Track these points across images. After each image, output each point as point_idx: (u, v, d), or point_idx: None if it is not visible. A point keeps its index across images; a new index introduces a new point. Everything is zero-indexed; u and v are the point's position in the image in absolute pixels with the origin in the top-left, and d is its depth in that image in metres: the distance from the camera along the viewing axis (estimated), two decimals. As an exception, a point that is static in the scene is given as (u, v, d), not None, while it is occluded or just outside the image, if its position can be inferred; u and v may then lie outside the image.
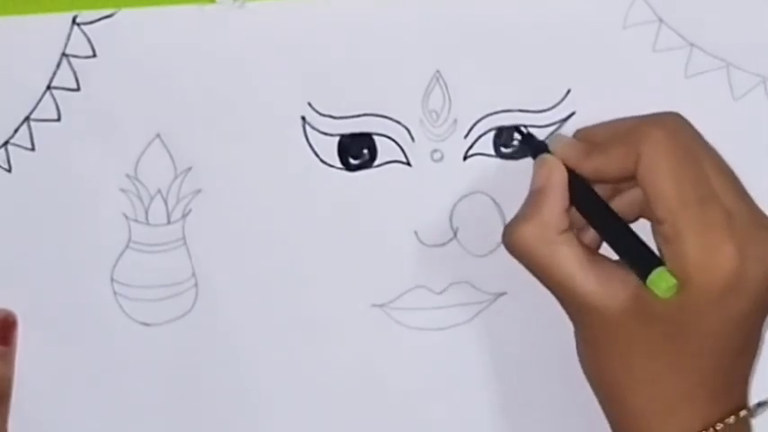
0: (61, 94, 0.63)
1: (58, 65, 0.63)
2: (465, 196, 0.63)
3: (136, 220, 0.64)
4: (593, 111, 0.62)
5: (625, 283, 0.56)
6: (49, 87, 0.63)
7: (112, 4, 0.62)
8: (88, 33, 0.62)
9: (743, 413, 0.56)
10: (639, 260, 0.56)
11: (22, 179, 0.63)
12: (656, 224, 0.56)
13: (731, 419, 0.56)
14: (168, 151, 0.63)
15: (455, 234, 0.64)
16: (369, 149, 0.63)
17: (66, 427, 0.65)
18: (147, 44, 0.62)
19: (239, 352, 0.64)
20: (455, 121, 0.63)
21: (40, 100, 0.63)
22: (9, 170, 0.63)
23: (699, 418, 0.56)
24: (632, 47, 0.63)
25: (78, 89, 0.63)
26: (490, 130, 0.63)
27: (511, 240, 0.58)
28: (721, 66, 0.63)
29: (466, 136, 0.63)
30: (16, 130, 0.63)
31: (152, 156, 0.63)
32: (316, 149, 0.63)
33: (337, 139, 0.63)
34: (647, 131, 0.56)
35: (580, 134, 0.61)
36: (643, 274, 0.55)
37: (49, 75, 0.63)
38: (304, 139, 0.63)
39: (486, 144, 0.63)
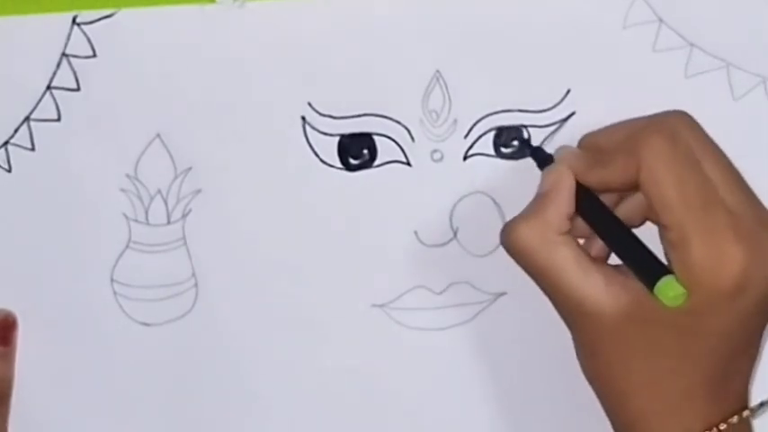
0: (61, 94, 0.63)
1: (58, 65, 0.63)
2: (465, 196, 0.63)
3: (136, 220, 0.64)
4: (593, 111, 0.62)
5: (625, 288, 0.56)
6: (49, 87, 0.63)
7: (112, 4, 0.62)
8: (88, 33, 0.62)
9: (745, 413, 0.56)
10: (646, 269, 0.56)
11: (22, 179, 0.63)
12: (663, 230, 0.56)
13: (734, 419, 0.56)
14: (168, 151, 0.63)
15: (455, 234, 0.64)
16: (369, 149, 0.63)
17: (66, 427, 0.65)
18: (147, 44, 0.63)
19: (239, 352, 0.64)
20: (455, 121, 0.63)
21: (40, 100, 0.63)
22: (9, 170, 0.63)
23: (700, 418, 0.56)
24: (632, 47, 0.63)
25: (78, 89, 0.63)
26: (490, 130, 0.63)
27: (509, 239, 0.58)
28: (721, 66, 0.63)
29: (466, 136, 0.63)
30: (16, 130, 0.63)
31: (152, 156, 0.63)
32: (316, 149, 0.63)
33: (337, 139, 0.63)
34: (646, 139, 0.56)
35: (584, 141, 0.61)
36: (650, 282, 0.55)
37: (49, 75, 0.63)
38: (304, 139, 0.63)
39: (486, 144, 0.63)
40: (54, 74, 0.63)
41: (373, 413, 0.65)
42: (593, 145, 0.60)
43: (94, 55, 0.63)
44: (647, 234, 0.58)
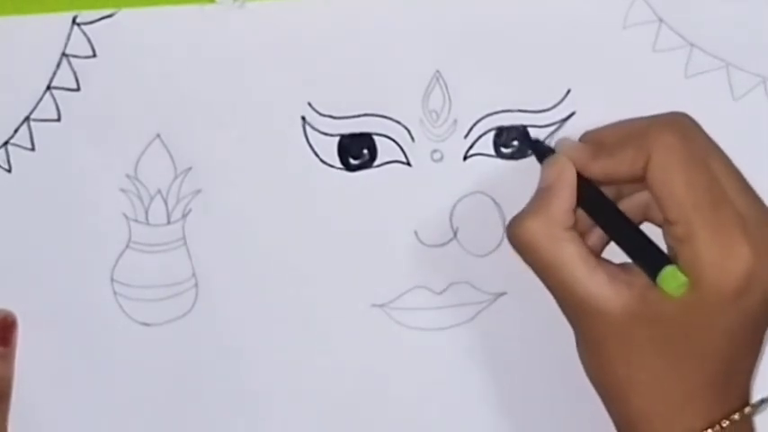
0: (61, 94, 0.63)
1: (58, 65, 0.63)
2: (465, 196, 0.63)
3: (136, 220, 0.64)
4: (593, 111, 0.62)
5: (630, 285, 0.56)
6: (49, 87, 0.63)
7: (112, 4, 0.62)
8: (88, 33, 0.62)
9: (747, 410, 0.56)
10: (649, 259, 0.56)
11: (22, 179, 0.63)
12: (668, 225, 0.56)
13: (736, 416, 0.56)
14: (168, 151, 0.63)
15: (455, 234, 0.64)
16: (369, 149, 0.63)
17: (66, 427, 0.64)
18: (147, 44, 0.63)
19: (239, 352, 0.64)
20: (455, 121, 0.63)
21: (40, 100, 0.63)
22: (9, 170, 0.63)
23: (703, 417, 0.56)
24: (632, 47, 0.63)
25: (78, 89, 0.63)
26: (490, 131, 0.63)
27: (516, 234, 0.58)
28: (721, 66, 0.63)
29: (466, 136, 0.63)
30: (16, 130, 0.63)
31: (152, 156, 0.63)
32: (316, 149, 0.63)
33: (337, 139, 0.63)
34: (657, 135, 0.56)
35: (587, 137, 0.61)
36: (653, 272, 0.55)
37: (49, 75, 0.63)
38: (304, 139, 0.63)
39: (487, 144, 0.63)
40: (54, 74, 0.63)
41: (373, 413, 0.65)
42: (595, 139, 0.60)
43: (94, 55, 0.63)
44: (648, 232, 0.58)
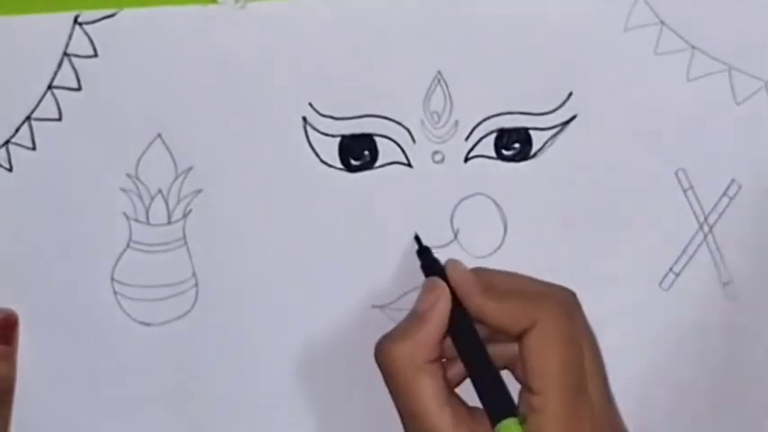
0: (62, 93, 0.63)
1: (60, 64, 0.63)
2: (466, 198, 0.63)
3: (136, 220, 0.64)
4: (594, 114, 0.62)
5: (474, 431, 0.57)
6: (50, 87, 0.63)
7: (114, 4, 0.62)
8: (90, 33, 0.62)
9: None
10: (496, 405, 0.57)
11: (23, 178, 0.63)
12: (527, 391, 0.57)
13: None
14: (169, 151, 0.63)
15: (456, 235, 0.64)
16: (370, 150, 0.63)
17: (66, 427, 0.65)
18: (148, 44, 0.62)
19: (239, 352, 0.64)
20: (456, 122, 0.63)
21: (41, 99, 0.63)
22: (10, 169, 0.63)
23: None
24: (634, 49, 0.63)
25: (80, 89, 0.63)
26: (491, 132, 0.63)
27: (381, 355, 0.58)
28: (723, 69, 0.63)
29: (467, 138, 0.63)
30: (17, 130, 0.63)
31: (153, 155, 0.63)
32: (316, 150, 0.63)
33: (338, 139, 0.63)
34: (548, 306, 0.57)
35: (479, 272, 0.61)
36: (496, 418, 0.56)
37: (51, 74, 0.63)
38: (305, 140, 0.63)
39: (488, 146, 0.63)
40: (55, 73, 0.63)
41: (373, 413, 0.65)
42: (486, 278, 0.60)
43: (96, 55, 0.63)
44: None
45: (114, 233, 0.64)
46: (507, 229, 0.64)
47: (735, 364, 0.64)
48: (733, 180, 0.63)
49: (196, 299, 0.64)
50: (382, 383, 0.63)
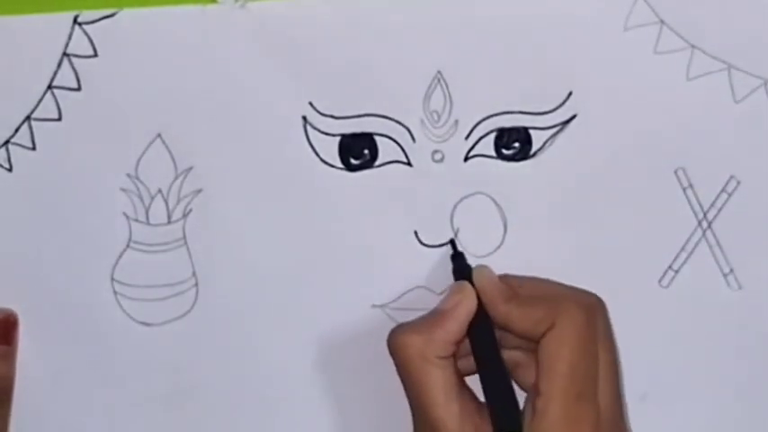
0: (62, 93, 0.63)
1: (60, 64, 0.63)
2: (466, 197, 0.63)
3: (136, 220, 0.64)
4: (594, 113, 0.62)
5: (476, 428, 0.57)
6: (50, 87, 0.63)
7: (114, 4, 0.62)
8: (89, 33, 0.62)
9: None
10: (501, 414, 0.58)
11: (23, 178, 0.63)
12: (534, 393, 0.57)
13: None
14: (169, 151, 0.63)
15: (456, 235, 0.64)
16: (370, 150, 0.63)
17: (65, 427, 0.65)
18: (148, 44, 0.62)
19: (239, 351, 0.64)
20: (456, 121, 0.63)
21: (41, 99, 0.63)
22: (10, 169, 0.63)
23: None
24: (634, 49, 0.63)
25: (79, 89, 0.63)
26: (491, 132, 0.63)
27: (393, 342, 0.59)
28: (723, 68, 0.63)
29: (467, 137, 0.63)
30: (17, 130, 0.63)
31: (153, 155, 0.63)
32: (316, 149, 0.63)
33: (338, 138, 0.63)
34: (567, 308, 0.57)
35: (506, 278, 0.61)
36: (498, 427, 0.57)
37: (51, 74, 0.63)
38: (305, 139, 0.63)
39: (488, 145, 0.63)
40: (55, 73, 0.63)
41: (373, 413, 0.65)
42: (513, 284, 0.60)
43: (95, 55, 0.63)
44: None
45: (114, 233, 0.64)
46: (507, 228, 0.64)
47: (741, 356, 0.64)
48: (732, 176, 0.64)
49: (196, 299, 0.64)
50: (382, 382, 0.63)
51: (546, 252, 0.64)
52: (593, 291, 0.60)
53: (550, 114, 0.63)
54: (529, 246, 0.64)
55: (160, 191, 0.63)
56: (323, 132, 0.63)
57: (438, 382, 0.58)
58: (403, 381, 0.59)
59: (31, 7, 0.62)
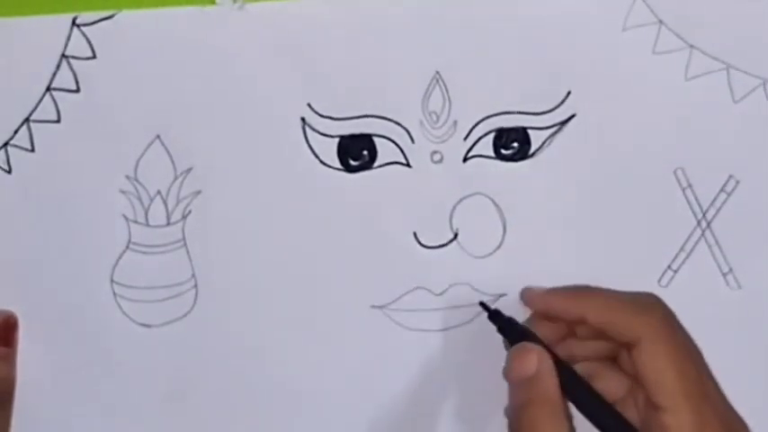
0: (61, 95, 0.63)
1: (58, 66, 0.63)
2: (465, 198, 0.63)
3: (136, 222, 0.64)
4: (593, 113, 0.63)
5: None
6: (48, 88, 0.63)
7: (112, 6, 0.62)
8: (88, 35, 0.62)
9: None
10: None
11: (22, 180, 0.63)
12: (654, 410, 0.56)
13: None
14: (168, 152, 0.63)
15: (455, 235, 0.64)
16: (368, 151, 0.63)
17: (66, 427, 0.65)
18: (146, 45, 0.62)
19: (239, 353, 0.64)
20: (455, 122, 0.63)
21: (39, 101, 0.63)
22: (9, 171, 0.63)
23: None
24: (632, 49, 0.63)
25: (78, 90, 0.63)
26: (490, 132, 0.63)
27: (524, 425, 0.56)
28: (721, 68, 0.63)
29: (466, 138, 0.63)
30: (16, 131, 0.63)
31: (152, 157, 0.63)
32: (315, 150, 0.63)
33: (337, 140, 0.63)
34: (648, 320, 0.56)
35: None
36: None
37: (49, 76, 0.63)
38: (304, 141, 0.63)
39: (486, 146, 0.63)
40: (54, 75, 0.63)
41: (372, 413, 0.65)
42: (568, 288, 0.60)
43: (94, 56, 0.63)
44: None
45: (113, 235, 0.64)
46: (506, 229, 0.64)
47: (740, 355, 0.65)
48: (731, 176, 0.64)
49: (195, 300, 0.64)
50: (381, 382, 0.63)
51: (545, 252, 0.64)
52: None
53: (549, 114, 0.63)
54: (528, 246, 0.64)
55: (159, 192, 0.63)
56: (322, 134, 0.63)
57: None
58: None
59: (30, 9, 0.62)
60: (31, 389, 0.64)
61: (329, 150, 0.63)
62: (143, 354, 0.64)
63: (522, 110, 0.63)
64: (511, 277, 0.63)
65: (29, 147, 0.63)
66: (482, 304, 0.61)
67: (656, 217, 0.64)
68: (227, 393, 0.64)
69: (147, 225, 0.64)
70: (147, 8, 0.62)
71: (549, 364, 0.57)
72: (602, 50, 0.63)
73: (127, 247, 0.64)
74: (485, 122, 0.63)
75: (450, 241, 0.64)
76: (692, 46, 0.63)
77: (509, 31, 0.62)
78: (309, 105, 0.63)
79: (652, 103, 0.62)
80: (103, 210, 0.63)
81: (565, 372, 0.57)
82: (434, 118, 0.63)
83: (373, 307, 0.64)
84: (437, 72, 0.63)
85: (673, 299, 0.64)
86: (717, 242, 0.64)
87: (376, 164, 0.63)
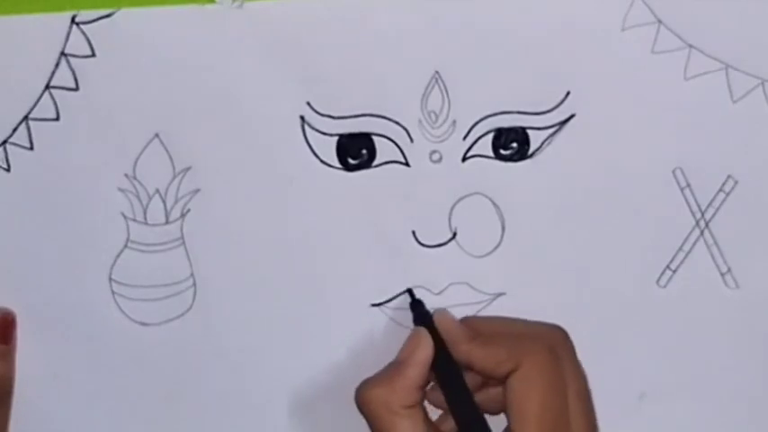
0: (60, 93, 0.63)
1: (57, 64, 0.63)
2: (464, 197, 0.63)
3: (134, 220, 0.64)
4: (592, 113, 0.63)
5: None
6: (47, 87, 0.63)
7: (112, 4, 0.62)
8: (87, 33, 0.62)
9: None
10: None
11: (21, 178, 0.63)
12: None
13: None
14: (167, 151, 0.63)
15: (454, 235, 0.64)
16: (367, 150, 0.63)
17: (64, 427, 0.65)
18: (146, 44, 0.62)
19: (237, 351, 0.64)
20: (454, 122, 0.63)
21: (38, 99, 0.63)
22: (8, 169, 0.63)
23: None
24: (631, 48, 0.63)
25: (77, 89, 0.63)
26: (489, 132, 0.63)
27: (359, 398, 0.59)
28: (720, 67, 0.63)
29: (465, 137, 0.63)
30: (15, 130, 0.63)
31: (151, 155, 0.63)
32: (315, 149, 0.63)
33: (336, 139, 0.63)
34: (531, 348, 0.58)
35: (467, 321, 0.62)
36: None
37: (48, 74, 0.63)
38: (303, 139, 0.63)
39: (485, 145, 0.63)
40: (53, 73, 0.63)
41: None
42: (473, 325, 0.61)
43: (93, 54, 0.63)
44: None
45: (112, 233, 0.64)
46: (505, 229, 0.64)
47: (739, 355, 0.65)
48: (729, 176, 0.64)
49: (194, 299, 0.64)
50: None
51: (544, 252, 0.64)
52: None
53: (548, 114, 0.63)
54: (527, 246, 0.64)
55: (158, 191, 0.63)
56: (321, 132, 0.63)
57: (407, 430, 0.58)
58: None
59: (29, 7, 0.62)
60: (30, 386, 0.64)
61: (328, 149, 0.63)
62: (141, 352, 0.64)
63: (521, 110, 0.63)
64: (509, 276, 0.64)
65: (28, 145, 0.63)
66: (409, 291, 0.63)
67: (654, 217, 0.64)
68: (225, 392, 0.64)
69: (146, 223, 0.64)
70: (146, 6, 0.62)
71: (423, 355, 0.59)
72: (601, 50, 0.63)
73: (125, 245, 0.64)
74: (484, 122, 0.63)
75: (449, 240, 0.64)
76: (690, 46, 0.63)
77: (508, 30, 0.62)
78: (309, 104, 0.63)
79: (651, 102, 0.62)
80: (102, 208, 0.63)
81: (450, 369, 0.59)
82: (433, 117, 0.63)
83: (372, 305, 0.64)
84: (436, 71, 0.63)
85: (671, 299, 0.64)
86: (715, 242, 0.64)
87: (375, 163, 0.63)
